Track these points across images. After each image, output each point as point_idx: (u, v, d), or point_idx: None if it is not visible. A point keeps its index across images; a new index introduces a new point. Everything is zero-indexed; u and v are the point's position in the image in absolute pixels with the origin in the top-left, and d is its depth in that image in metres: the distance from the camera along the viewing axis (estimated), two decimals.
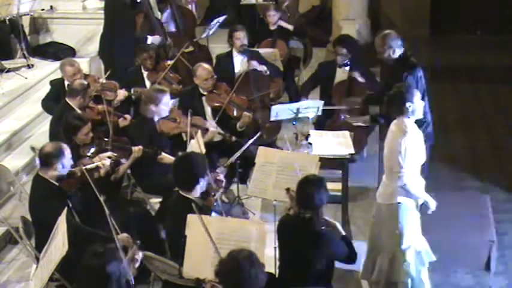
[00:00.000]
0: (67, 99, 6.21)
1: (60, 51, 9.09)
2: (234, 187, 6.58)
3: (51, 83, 7.14)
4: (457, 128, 8.26)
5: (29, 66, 8.68)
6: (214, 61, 7.87)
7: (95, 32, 8.92)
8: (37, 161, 5.15)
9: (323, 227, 4.30)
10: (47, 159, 4.89)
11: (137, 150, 5.71)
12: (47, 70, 8.67)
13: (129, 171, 5.92)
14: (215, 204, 4.91)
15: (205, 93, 6.68)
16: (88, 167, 5.16)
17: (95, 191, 4.64)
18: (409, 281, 4.92)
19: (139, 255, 4.25)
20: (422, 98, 4.94)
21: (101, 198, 4.54)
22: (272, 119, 6.77)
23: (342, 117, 6.71)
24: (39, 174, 4.94)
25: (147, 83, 7.20)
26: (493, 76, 9.77)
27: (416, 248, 4.92)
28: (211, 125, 6.41)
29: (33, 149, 6.93)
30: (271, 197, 5.22)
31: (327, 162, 5.53)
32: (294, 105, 6.65)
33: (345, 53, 7.01)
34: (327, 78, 7.16)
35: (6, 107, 7.87)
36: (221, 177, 5.68)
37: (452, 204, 6.11)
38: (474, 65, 10.25)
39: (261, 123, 7.10)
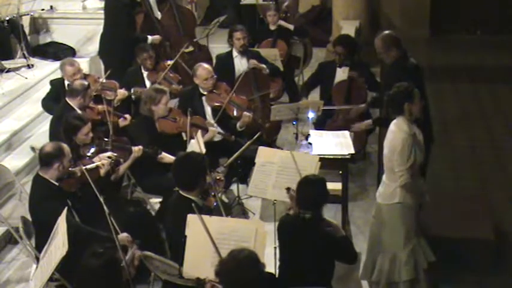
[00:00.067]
0: (67, 99, 6.21)
1: (60, 51, 9.09)
2: (234, 187, 6.59)
3: (51, 82, 7.14)
4: (457, 128, 8.25)
5: (29, 66, 8.68)
6: (214, 61, 7.87)
7: (95, 32, 8.92)
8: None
9: (323, 227, 4.30)
10: (47, 159, 4.89)
11: (137, 150, 5.71)
12: (47, 70, 8.67)
13: (129, 171, 5.92)
14: (215, 204, 4.91)
15: (205, 93, 6.68)
16: (88, 167, 5.16)
17: (95, 191, 4.64)
18: (409, 281, 4.92)
19: (139, 254, 4.26)
20: (422, 98, 4.94)
21: (101, 198, 4.54)
22: (272, 119, 6.79)
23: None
24: (39, 174, 4.94)
25: (147, 83, 7.20)
26: (493, 76, 9.76)
27: (416, 248, 4.92)
28: (211, 124, 6.41)
29: (33, 149, 6.93)
30: (271, 197, 5.22)
31: (327, 162, 5.53)
32: (294, 105, 6.66)
33: (344, 53, 7.01)
34: (327, 78, 7.16)
35: (6, 107, 7.87)
36: (221, 177, 5.71)
37: (452, 204, 6.13)
38: (474, 65, 10.24)
39: (261, 123, 7.10)
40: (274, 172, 5.20)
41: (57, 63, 7.69)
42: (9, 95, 8.02)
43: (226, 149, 6.36)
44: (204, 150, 5.25)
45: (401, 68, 5.70)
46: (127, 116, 6.50)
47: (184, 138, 6.14)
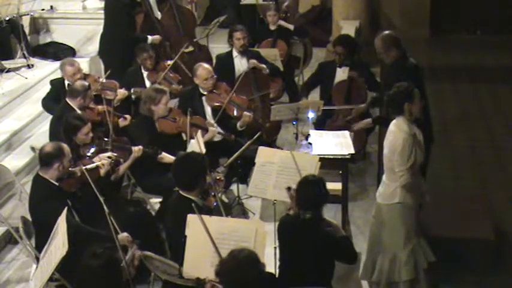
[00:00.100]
0: (67, 100, 6.21)
1: (60, 51, 9.09)
2: (234, 187, 6.59)
3: (52, 82, 7.14)
4: (457, 128, 8.25)
5: (29, 66, 8.68)
6: (214, 61, 7.87)
7: (95, 32, 8.92)
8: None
9: (323, 227, 4.30)
10: (47, 159, 4.89)
11: (137, 150, 5.71)
12: (47, 70, 8.67)
13: (129, 171, 5.92)
14: (215, 204, 4.91)
15: (205, 93, 6.68)
16: (88, 167, 5.16)
17: (95, 191, 4.64)
18: (410, 281, 4.92)
19: (139, 254, 4.26)
20: (422, 98, 4.94)
21: (101, 198, 4.54)
22: (272, 119, 6.79)
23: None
24: (39, 174, 4.94)
25: (147, 83, 7.20)
26: (493, 76, 9.76)
27: (416, 248, 4.92)
28: (211, 124, 6.41)
29: (33, 149, 6.93)
30: (271, 197, 5.22)
31: (327, 162, 5.53)
32: (294, 105, 6.66)
33: (344, 53, 7.01)
34: (327, 78, 7.16)
35: (6, 107, 7.87)
36: (221, 177, 5.71)
37: (452, 204, 6.13)
38: (474, 65, 10.24)
39: (261, 123, 7.10)
40: (274, 172, 5.20)
41: (57, 63, 7.69)
42: (9, 95, 8.02)
43: (226, 149, 6.36)
44: (204, 150, 5.25)
45: (401, 68, 5.70)
46: (127, 116, 6.50)
47: (184, 138, 6.14)
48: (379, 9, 11.36)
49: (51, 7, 9.59)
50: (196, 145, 5.39)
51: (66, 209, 4.47)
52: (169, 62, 7.41)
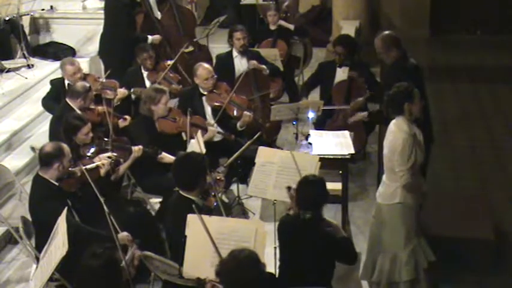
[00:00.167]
0: (67, 100, 6.21)
1: (60, 51, 9.09)
2: (234, 187, 6.59)
3: (52, 82, 7.14)
4: (457, 128, 8.25)
5: (29, 66, 8.68)
6: (214, 61, 7.87)
7: (95, 32, 8.92)
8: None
9: (323, 227, 4.30)
10: (47, 159, 4.89)
11: (137, 150, 5.71)
12: (47, 70, 8.67)
13: (129, 171, 5.92)
14: (215, 204, 4.91)
15: (205, 93, 6.68)
16: (88, 167, 5.16)
17: (95, 191, 4.64)
18: (410, 281, 4.92)
19: (139, 254, 4.26)
20: (422, 98, 4.94)
21: (101, 199, 4.54)
22: (272, 119, 6.79)
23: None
24: (39, 174, 4.94)
25: (147, 83, 7.19)
26: (493, 76, 9.77)
27: (416, 248, 4.92)
28: (211, 124, 6.42)
29: (33, 149, 6.93)
30: (271, 197, 5.22)
31: (327, 162, 5.53)
32: (294, 105, 6.66)
33: (344, 53, 7.01)
34: (327, 78, 7.16)
35: (6, 107, 7.87)
36: (221, 177, 5.71)
37: (452, 204, 6.13)
38: (474, 65, 10.24)
39: (261, 123, 7.10)
40: (274, 172, 5.20)
41: (57, 63, 7.70)
42: (9, 95, 8.02)
43: (226, 149, 6.36)
44: (204, 150, 5.25)
45: (401, 68, 5.70)
46: (127, 117, 6.50)
47: (184, 138, 6.14)
48: (379, 9, 11.36)
49: (51, 7, 9.59)
50: (196, 145, 5.39)
51: (66, 209, 4.47)
52: (169, 62, 7.41)
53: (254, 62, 7.30)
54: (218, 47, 8.97)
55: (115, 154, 5.54)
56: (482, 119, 8.52)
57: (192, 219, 4.17)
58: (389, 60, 5.84)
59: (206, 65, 6.74)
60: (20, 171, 6.92)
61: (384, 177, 4.97)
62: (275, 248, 4.93)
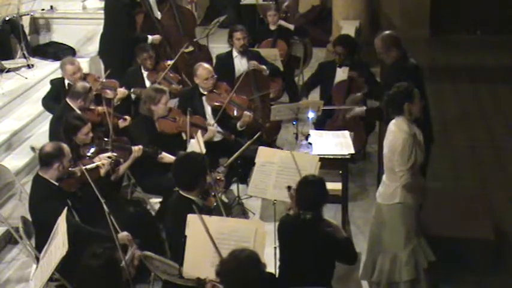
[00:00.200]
0: (68, 100, 6.21)
1: (60, 51, 9.09)
2: (234, 187, 6.59)
3: (52, 82, 7.15)
4: (457, 128, 8.26)
5: (29, 66, 8.68)
6: (214, 61, 7.87)
7: (95, 32, 8.92)
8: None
9: (323, 227, 4.30)
10: (47, 159, 4.89)
11: (137, 149, 5.71)
12: (47, 70, 8.67)
13: (129, 171, 5.92)
14: (215, 204, 4.91)
15: (205, 92, 6.68)
16: (88, 167, 5.16)
17: (95, 191, 4.64)
18: (410, 281, 4.92)
19: (139, 254, 4.26)
20: (422, 98, 4.94)
21: (101, 199, 4.54)
22: (272, 119, 6.79)
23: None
24: (39, 174, 4.94)
25: (147, 83, 7.19)
26: (493, 76, 9.77)
27: (416, 248, 4.92)
28: (210, 124, 6.42)
29: (33, 149, 6.93)
30: (271, 197, 5.22)
31: (327, 162, 5.53)
32: (294, 105, 6.66)
33: (344, 53, 7.01)
34: (327, 78, 7.16)
35: (6, 107, 7.87)
36: (221, 177, 5.71)
37: (452, 204, 6.13)
38: (474, 65, 10.24)
39: (261, 123, 7.10)
40: (274, 172, 5.20)
41: (57, 63, 7.70)
42: (9, 95, 8.01)
43: (226, 149, 6.36)
44: (204, 150, 5.25)
45: (401, 68, 5.70)
46: (126, 117, 6.50)
47: (184, 138, 6.14)
48: (379, 9, 11.36)
49: (51, 7, 9.58)
50: (196, 145, 5.39)
51: (66, 209, 4.47)
52: (169, 62, 7.41)
53: (254, 62, 7.30)
54: (218, 47, 8.97)
55: (115, 154, 5.54)
56: (482, 119, 8.52)
57: (192, 219, 4.17)
58: (390, 60, 5.84)
59: (206, 65, 6.74)
60: (20, 171, 6.92)
61: (384, 177, 4.97)
62: (275, 248, 4.93)
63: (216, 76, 6.72)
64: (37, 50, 9.26)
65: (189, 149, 5.55)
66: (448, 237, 5.57)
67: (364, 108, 6.36)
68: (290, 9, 9.43)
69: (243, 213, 6.32)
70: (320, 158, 5.27)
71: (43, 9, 9.51)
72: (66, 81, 6.86)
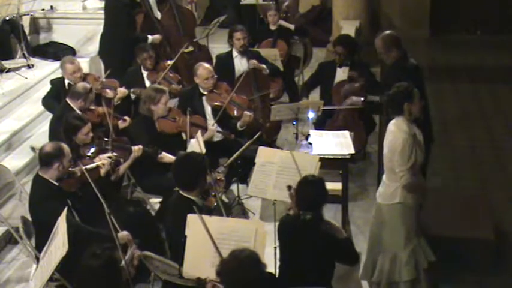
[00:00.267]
0: (68, 101, 6.21)
1: (60, 51, 9.08)
2: (234, 187, 6.59)
3: (52, 81, 7.15)
4: (457, 128, 8.26)
5: (29, 66, 8.68)
6: (214, 61, 7.87)
7: (95, 32, 8.92)
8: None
9: (323, 227, 4.30)
10: (47, 159, 4.89)
11: (137, 149, 5.71)
12: (47, 70, 8.67)
13: (129, 171, 5.92)
14: (215, 204, 4.91)
15: (205, 92, 6.68)
16: (88, 167, 5.17)
17: (95, 191, 4.64)
18: (410, 281, 4.92)
19: (138, 254, 4.26)
20: (422, 98, 4.94)
21: (102, 199, 4.54)
22: (272, 119, 6.79)
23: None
24: (39, 174, 4.94)
25: (147, 83, 7.19)
26: (493, 76, 9.77)
27: (417, 248, 4.92)
28: (211, 124, 6.42)
29: (33, 149, 6.93)
30: (271, 197, 5.22)
31: (327, 162, 5.53)
32: (294, 105, 6.66)
33: (344, 53, 7.01)
34: (327, 78, 7.15)
35: (6, 107, 7.87)
36: (221, 177, 5.71)
37: (452, 204, 6.13)
38: (474, 65, 10.25)
39: (261, 123, 7.10)
40: (274, 172, 5.20)
41: (57, 63, 7.69)
42: (9, 95, 8.01)
43: (226, 149, 6.36)
44: (204, 150, 5.26)
45: (401, 68, 5.70)
46: (126, 118, 6.50)
47: (184, 138, 6.14)
48: (379, 9, 11.36)
49: (51, 7, 9.58)
50: (196, 145, 5.39)
51: (66, 209, 4.47)
52: (169, 62, 7.41)
53: (254, 61, 7.30)
54: (218, 47, 8.97)
55: (115, 154, 5.54)
56: (482, 119, 8.52)
57: (192, 219, 4.17)
58: (390, 60, 5.84)
59: (206, 65, 6.74)
60: (20, 171, 6.92)
61: (384, 177, 4.97)
62: (275, 248, 4.93)
63: (216, 76, 6.72)
64: (37, 50, 9.26)
65: (189, 149, 5.55)
66: (448, 237, 5.57)
67: (362, 98, 6.33)
68: (290, 9, 9.44)
69: (243, 213, 6.31)
70: (320, 158, 5.27)
71: (43, 9, 9.51)
72: (66, 81, 6.86)
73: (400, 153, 4.70)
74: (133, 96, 7.05)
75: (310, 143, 5.98)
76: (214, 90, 6.70)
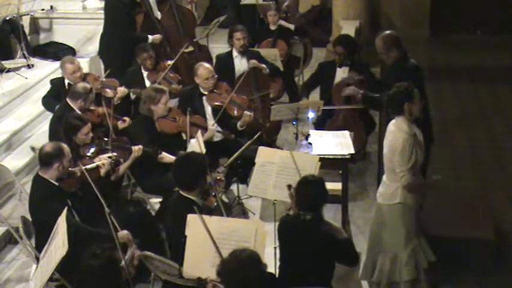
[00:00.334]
0: (68, 101, 6.21)
1: (60, 51, 9.08)
2: (234, 187, 6.59)
3: (52, 81, 7.15)
4: (457, 128, 8.26)
5: (29, 66, 8.68)
6: (214, 61, 7.87)
7: (95, 32, 8.92)
8: None
9: (323, 227, 4.30)
10: (47, 159, 4.89)
11: (137, 149, 5.71)
12: (47, 70, 8.67)
13: (129, 171, 5.92)
14: (215, 204, 4.91)
15: (205, 92, 6.68)
16: (88, 167, 5.17)
17: (95, 191, 4.64)
18: (410, 281, 4.92)
19: (138, 254, 4.26)
20: (422, 98, 4.94)
21: (102, 199, 4.54)
22: (272, 119, 6.79)
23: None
24: (39, 174, 4.94)
25: (147, 83, 7.19)
26: (493, 76, 9.77)
27: (417, 248, 4.92)
28: (211, 124, 6.42)
29: (33, 149, 6.93)
30: (271, 197, 5.22)
31: (327, 162, 5.53)
32: (294, 105, 6.66)
33: (344, 53, 7.01)
34: (327, 78, 7.15)
35: (6, 107, 7.87)
36: (221, 177, 5.71)
37: (452, 204, 6.13)
38: (474, 65, 10.25)
39: (261, 123, 7.10)
40: (274, 172, 5.20)
41: (57, 63, 7.69)
42: (9, 95, 8.02)
43: (226, 149, 6.36)
44: (204, 150, 5.26)
45: (401, 69, 5.70)
46: (126, 118, 6.50)
47: (184, 138, 6.14)
48: (379, 9, 11.36)
49: (51, 7, 9.58)
50: (196, 145, 5.39)
51: (66, 209, 4.47)
52: (169, 62, 7.41)
53: (254, 61, 7.30)
54: (218, 47, 8.97)
55: (115, 154, 5.54)
56: (482, 119, 8.52)
57: (192, 219, 4.18)
58: (390, 61, 5.84)
59: (207, 65, 6.74)
60: (20, 171, 6.92)
61: (384, 177, 4.97)
62: (275, 248, 4.93)
63: (216, 76, 6.72)
64: (37, 50, 9.26)
65: (189, 149, 5.56)
66: (448, 237, 5.57)
67: (361, 91, 6.30)
68: (290, 9, 9.44)
69: (243, 213, 6.32)
70: (320, 158, 5.27)
71: (43, 9, 9.51)
72: (66, 81, 6.86)
73: (401, 154, 4.70)
74: (133, 96, 7.05)
75: (310, 143, 5.98)
76: (215, 90, 6.70)
